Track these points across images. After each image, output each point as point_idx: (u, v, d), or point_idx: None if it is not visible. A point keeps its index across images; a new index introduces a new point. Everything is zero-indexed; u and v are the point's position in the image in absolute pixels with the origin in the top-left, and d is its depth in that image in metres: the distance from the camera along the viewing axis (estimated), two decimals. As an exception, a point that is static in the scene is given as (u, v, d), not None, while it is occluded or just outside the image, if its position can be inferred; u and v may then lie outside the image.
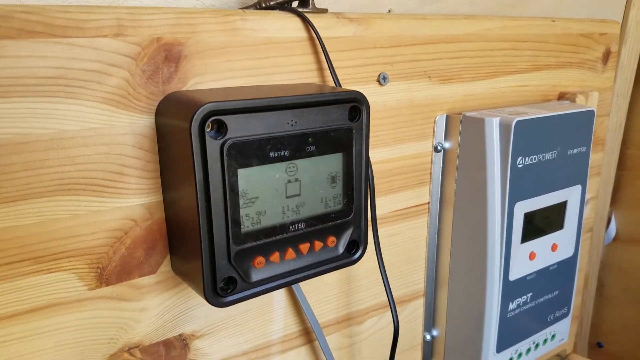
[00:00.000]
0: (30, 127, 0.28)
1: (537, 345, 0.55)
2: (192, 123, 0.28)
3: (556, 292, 0.54)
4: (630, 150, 0.90)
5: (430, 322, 0.53)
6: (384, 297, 0.48)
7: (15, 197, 0.28)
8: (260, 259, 0.32)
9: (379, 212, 0.45)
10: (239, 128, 0.29)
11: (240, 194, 0.30)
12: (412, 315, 0.51)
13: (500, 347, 0.50)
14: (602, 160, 0.77)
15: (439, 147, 0.48)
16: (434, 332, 0.53)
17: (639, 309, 0.90)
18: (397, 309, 0.49)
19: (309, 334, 0.43)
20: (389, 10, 0.49)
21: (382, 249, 0.45)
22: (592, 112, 0.51)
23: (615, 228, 0.93)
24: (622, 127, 0.86)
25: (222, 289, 0.31)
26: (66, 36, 0.28)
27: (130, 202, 0.32)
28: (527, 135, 0.44)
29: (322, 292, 0.43)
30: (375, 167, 0.44)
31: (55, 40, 0.28)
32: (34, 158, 0.28)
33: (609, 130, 0.83)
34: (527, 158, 0.45)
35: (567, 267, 0.54)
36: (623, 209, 0.92)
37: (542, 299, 0.53)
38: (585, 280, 0.91)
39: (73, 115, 0.29)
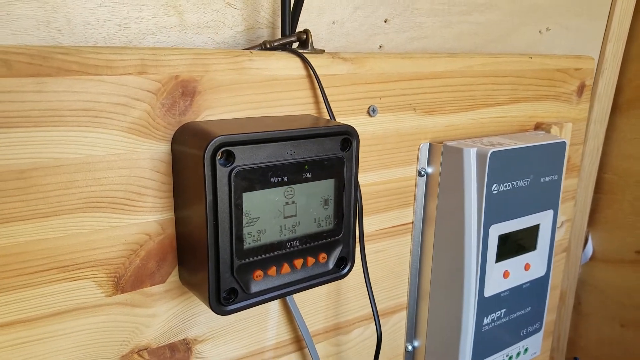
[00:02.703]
0: (64, 152, 0.32)
1: (510, 358, 0.59)
2: (206, 153, 0.32)
3: (529, 309, 0.59)
4: (607, 174, 0.95)
5: (412, 333, 0.57)
6: (369, 309, 0.52)
7: (47, 214, 0.32)
8: (259, 273, 0.36)
9: (366, 230, 0.50)
10: (245, 157, 0.34)
11: (244, 214, 0.35)
12: (396, 326, 0.55)
13: (476, 358, 0.54)
14: (578, 184, 0.83)
15: (422, 172, 0.52)
16: (415, 343, 0.57)
17: (614, 325, 0.94)
18: (382, 321, 0.53)
19: (299, 341, 0.47)
20: (380, 46, 0.53)
21: (368, 265, 0.50)
22: (563, 143, 0.56)
23: (592, 248, 0.98)
24: (599, 153, 0.92)
25: (224, 299, 0.35)
26: (97, 74, 0.32)
27: (146, 218, 0.36)
28: (501, 165, 0.49)
29: (312, 303, 0.47)
30: (364, 189, 0.48)
31: (88, 78, 0.32)
32: (65, 179, 0.32)
33: (586, 156, 0.88)
34: (501, 185, 0.50)
35: (539, 285, 0.59)
36: (599, 230, 0.97)
37: (515, 315, 0.57)
38: (563, 298, 0.95)
39: (100, 143, 0.33)
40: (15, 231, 0.31)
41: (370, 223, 0.50)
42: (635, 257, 0.90)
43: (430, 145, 0.52)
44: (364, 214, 0.49)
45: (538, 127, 0.63)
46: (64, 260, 0.33)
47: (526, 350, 0.60)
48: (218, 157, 0.33)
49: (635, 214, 0.89)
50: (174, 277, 0.38)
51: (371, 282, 0.51)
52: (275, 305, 0.45)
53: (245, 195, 0.34)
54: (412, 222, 0.54)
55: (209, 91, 0.36)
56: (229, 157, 0.33)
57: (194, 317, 0.40)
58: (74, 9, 0.36)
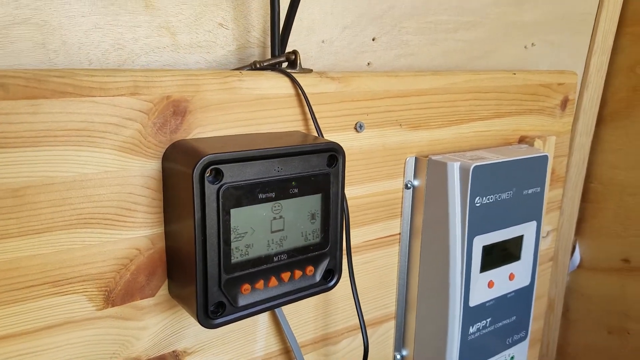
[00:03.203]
0: (57, 170, 0.33)
1: (496, 366, 0.60)
2: (194, 171, 0.33)
3: (514, 318, 0.60)
4: (593, 184, 0.96)
5: (400, 342, 0.58)
6: (357, 320, 0.53)
7: (40, 230, 0.33)
8: (247, 286, 0.37)
9: (354, 241, 0.51)
10: (234, 174, 0.35)
11: (231, 229, 0.36)
12: (384, 336, 0.56)
13: (462, 367, 0.55)
14: (565, 194, 0.84)
15: (409, 185, 0.54)
16: (404, 352, 0.58)
17: (602, 332, 0.96)
18: (370, 330, 0.55)
19: (288, 352, 0.48)
20: (368, 64, 0.55)
21: (356, 275, 0.51)
22: (545, 157, 0.57)
23: (579, 256, 0.99)
24: (585, 163, 0.94)
25: (212, 312, 0.36)
26: (91, 95, 0.33)
27: (136, 233, 0.37)
28: (484, 178, 0.50)
29: (301, 315, 0.48)
30: (351, 202, 0.49)
31: (81, 99, 0.33)
32: (57, 197, 0.33)
33: (572, 167, 0.90)
34: (484, 197, 0.51)
35: (524, 294, 0.60)
36: (586, 238, 0.98)
37: (500, 324, 0.58)
38: (551, 305, 0.97)
39: (93, 161, 0.34)
40: (9, 247, 0.32)
41: (358, 235, 0.51)
42: (621, 265, 0.92)
43: (416, 159, 0.53)
44: (351, 225, 0.50)
45: (522, 140, 0.65)
46: (56, 275, 0.34)
47: (512, 358, 0.62)
48: (207, 175, 0.34)
49: (620, 222, 0.91)
50: (163, 290, 0.39)
51: (359, 293, 0.52)
52: (264, 317, 0.46)
53: (233, 211, 0.35)
54: (400, 234, 0.55)
55: (199, 110, 0.38)
56: (218, 175, 0.34)
57: (183, 329, 0.41)
58: (69, 30, 0.37)
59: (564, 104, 0.70)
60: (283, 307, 0.46)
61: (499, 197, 0.53)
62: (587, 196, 0.97)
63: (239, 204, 0.36)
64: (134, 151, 0.35)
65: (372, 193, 0.51)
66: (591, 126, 0.91)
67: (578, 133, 0.89)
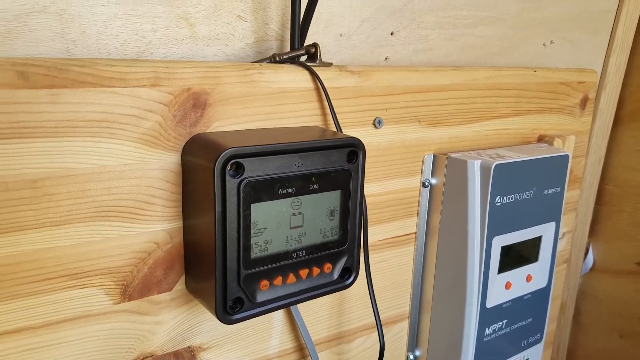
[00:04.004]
0: (76, 162, 0.32)
1: (511, 368, 0.59)
2: (216, 164, 0.32)
3: (530, 320, 0.59)
4: (608, 186, 0.95)
5: (413, 343, 0.57)
6: (372, 319, 0.52)
7: (58, 222, 0.33)
8: (265, 282, 0.37)
9: (370, 240, 0.50)
10: (254, 169, 0.34)
11: (251, 225, 0.35)
12: (397, 336, 0.56)
13: (477, 368, 0.55)
14: (579, 196, 0.83)
15: (426, 183, 0.53)
16: (417, 353, 0.58)
17: (612, 337, 0.95)
18: (384, 330, 0.54)
19: (302, 350, 0.48)
20: (386, 58, 0.54)
21: (371, 275, 0.50)
22: (566, 156, 0.56)
23: (592, 259, 0.98)
24: (601, 164, 0.92)
25: (230, 308, 0.36)
26: (111, 86, 0.33)
27: (155, 227, 0.36)
28: (505, 177, 0.49)
29: (316, 312, 0.48)
30: (368, 200, 0.48)
31: (102, 89, 0.32)
32: (76, 189, 0.33)
33: (588, 168, 0.89)
34: (504, 197, 0.50)
35: (540, 296, 0.59)
36: (600, 241, 0.97)
37: (516, 326, 0.57)
38: (563, 308, 0.96)
39: (113, 153, 0.33)
40: (27, 239, 0.32)
41: (374, 233, 0.50)
42: (635, 268, 0.90)
43: (434, 156, 0.52)
44: (368, 223, 0.49)
45: (541, 139, 0.64)
46: (73, 268, 0.34)
47: (526, 361, 0.61)
48: (228, 169, 0.33)
49: (635, 225, 0.90)
50: (180, 285, 0.39)
51: (374, 292, 0.51)
52: (279, 314, 0.45)
53: (253, 206, 0.35)
54: (415, 233, 0.54)
55: (219, 103, 0.37)
56: (239, 169, 0.34)
57: (199, 324, 0.40)
58: (88, 20, 0.36)
59: (584, 103, 0.69)
60: (298, 306, 0.46)
61: (519, 196, 0.52)
62: (601, 198, 0.95)
63: (259, 198, 0.35)
64: (154, 144, 0.35)
65: (389, 191, 0.50)
66: (608, 127, 0.89)
67: (595, 134, 0.88)
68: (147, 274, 0.37)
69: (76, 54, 0.36)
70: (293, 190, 0.37)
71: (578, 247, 0.95)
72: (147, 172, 0.35)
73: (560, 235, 0.75)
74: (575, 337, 1.01)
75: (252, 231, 0.35)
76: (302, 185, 0.37)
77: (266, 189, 0.35)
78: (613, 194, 0.95)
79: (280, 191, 0.36)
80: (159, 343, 0.39)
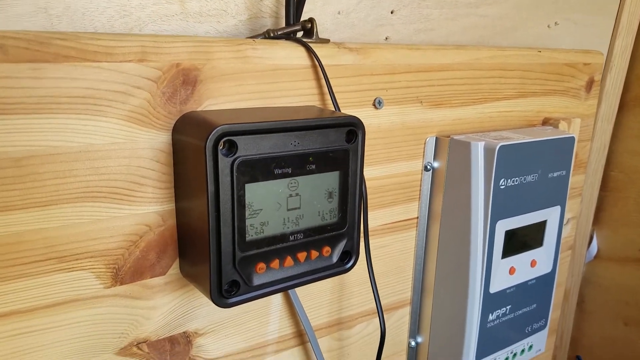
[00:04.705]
0: (62, 140, 0.31)
1: (514, 355, 0.58)
2: (207, 142, 0.31)
3: (534, 306, 0.58)
4: (613, 172, 0.94)
5: (415, 329, 0.56)
6: (372, 305, 0.51)
7: (45, 202, 0.31)
8: (261, 265, 0.36)
9: (370, 225, 0.49)
10: (248, 147, 0.33)
11: (246, 206, 0.34)
12: (399, 322, 0.55)
13: (480, 355, 0.53)
14: (584, 181, 0.81)
15: (428, 167, 0.51)
16: (419, 339, 0.57)
17: (617, 324, 0.94)
18: (385, 316, 0.53)
19: (302, 336, 0.47)
20: (386, 38, 0.52)
21: (372, 260, 0.49)
22: (572, 138, 0.55)
23: (596, 246, 0.97)
24: (606, 151, 0.91)
25: (226, 291, 0.34)
26: (96, 60, 0.31)
27: (146, 209, 0.35)
28: (509, 159, 0.48)
29: (315, 298, 0.47)
30: (368, 184, 0.47)
31: (86, 64, 0.31)
32: (63, 168, 0.31)
33: (593, 153, 0.87)
34: (509, 180, 0.49)
35: (545, 282, 0.58)
36: (605, 228, 0.96)
37: (520, 312, 0.56)
38: (566, 295, 0.94)
39: (99, 131, 0.32)
40: (12, 220, 0.30)
41: (375, 218, 0.49)
42: (640, 255, 0.89)
43: (436, 139, 0.51)
44: (369, 207, 0.48)
45: (546, 122, 0.62)
46: (62, 250, 0.32)
47: (530, 347, 0.60)
48: (220, 147, 0.32)
49: (641, 211, 0.88)
50: (174, 269, 0.37)
51: (375, 278, 0.50)
52: (277, 299, 0.44)
53: (247, 187, 0.33)
54: (417, 218, 0.53)
55: (210, 80, 0.35)
56: (232, 147, 0.32)
57: (194, 310, 0.39)
58: (73, -6, 0.35)
59: (590, 85, 0.67)
60: (297, 289, 0.45)
61: (524, 179, 0.50)
62: (606, 185, 0.94)
63: (254, 179, 0.34)
64: (143, 122, 0.34)
65: (390, 174, 0.49)
66: (613, 111, 0.88)
67: (600, 118, 0.86)
68: (139, 258, 0.35)
69: (61, 31, 0.35)
70: (289, 170, 0.35)
71: (582, 235, 0.94)
72: (137, 151, 0.34)
73: (565, 221, 0.73)
74: (579, 325, 1.00)
75: (247, 212, 0.34)
76: (298, 165, 0.36)
77: (261, 169, 0.34)
78: (618, 180, 0.93)
79: (276, 171, 0.35)
80: (154, 328, 0.37)
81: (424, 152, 0.51)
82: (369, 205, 0.48)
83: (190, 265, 0.36)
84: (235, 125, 0.32)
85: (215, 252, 0.33)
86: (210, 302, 0.40)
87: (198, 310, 0.39)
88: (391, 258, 0.52)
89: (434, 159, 0.51)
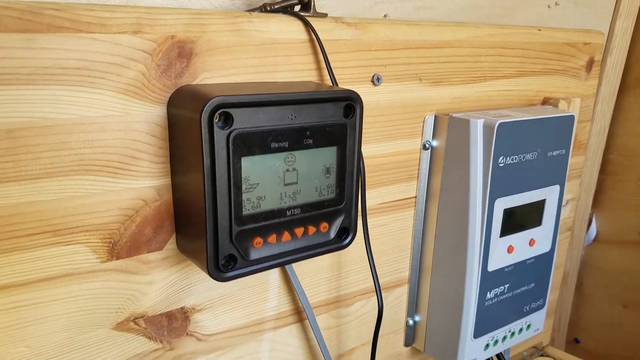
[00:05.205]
0: (55, 112, 0.31)
1: (512, 334, 0.58)
2: (202, 115, 0.31)
3: (532, 285, 0.58)
4: (613, 155, 0.93)
5: (413, 308, 0.56)
6: (370, 283, 0.51)
7: (39, 175, 0.31)
8: (258, 240, 0.35)
9: (369, 203, 0.49)
10: (244, 120, 0.32)
11: (243, 179, 0.34)
12: (397, 301, 0.55)
13: (478, 334, 0.54)
14: (584, 163, 0.81)
15: (427, 145, 0.51)
16: (417, 318, 0.57)
17: (615, 307, 0.94)
18: (383, 295, 0.53)
19: (300, 313, 0.47)
20: (385, 16, 0.52)
21: (370, 238, 0.49)
22: (572, 117, 0.54)
23: (595, 229, 0.97)
24: (606, 133, 0.90)
25: (223, 266, 0.34)
26: (90, 32, 0.31)
27: (142, 183, 0.35)
28: (508, 137, 0.48)
29: (314, 275, 0.47)
30: (366, 162, 0.47)
31: (80, 35, 0.30)
32: (57, 140, 0.31)
33: (593, 136, 0.87)
34: (508, 158, 0.49)
35: (543, 261, 0.58)
36: (604, 211, 0.95)
37: (518, 290, 0.56)
38: (565, 278, 0.95)
39: (94, 103, 0.32)
40: (6, 192, 0.30)
41: (374, 196, 0.49)
42: (639, 238, 0.89)
43: (435, 117, 0.50)
44: (367, 186, 0.48)
45: (546, 102, 0.62)
46: (57, 223, 0.32)
47: (529, 326, 0.60)
48: (216, 120, 0.31)
49: (641, 194, 0.88)
50: (171, 244, 0.37)
51: (373, 256, 0.50)
52: (275, 276, 0.44)
53: (244, 160, 0.33)
54: (416, 197, 0.53)
55: (206, 53, 0.35)
56: (227, 120, 0.32)
57: (192, 285, 0.39)
58: (66, -36, 0.34)
59: (590, 65, 0.66)
60: (295, 267, 0.44)
61: (523, 157, 0.50)
62: (606, 168, 0.94)
63: (250, 152, 0.33)
64: (138, 95, 0.33)
65: (389, 153, 0.48)
66: (613, 93, 0.87)
67: (600, 100, 0.85)
68: (135, 232, 0.35)
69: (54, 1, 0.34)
70: (286, 144, 0.35)
71: (581, 218, 0.94)
72: (132, 124, 0.33)
73: (564, 202, 0.73)
74: (577, 308, 1.00)
75: (243, 186, 0.34)
76: (295, 139, 0.35)
77: (257, 142, 0.33)
78: (618, 163, 0.93)
79: (273, 145, 0.34)
80: (151, 304, 0.37)
81: (422, 130, 0.50)
82: (367, 183, 0.48)
83: (187, 241, 0.36)
84: (230, 97, 0.31)
85: (211, 225, 0.33)
86: (208, 278, 0.40)
87: (196, 286, 0.39)
88: (389, 237, 0.52)
89: (433, 137, 0.51)
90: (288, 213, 0.37)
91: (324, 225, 0.39)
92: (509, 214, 0.51)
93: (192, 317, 0.40)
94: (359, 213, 0.43)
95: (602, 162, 0.91)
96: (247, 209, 0.34)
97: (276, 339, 0.46)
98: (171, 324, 0.39)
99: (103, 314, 0.36)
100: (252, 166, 0.34)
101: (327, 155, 0.37)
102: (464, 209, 0.50)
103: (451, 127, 0.49)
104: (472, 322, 0.52)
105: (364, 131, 0.45)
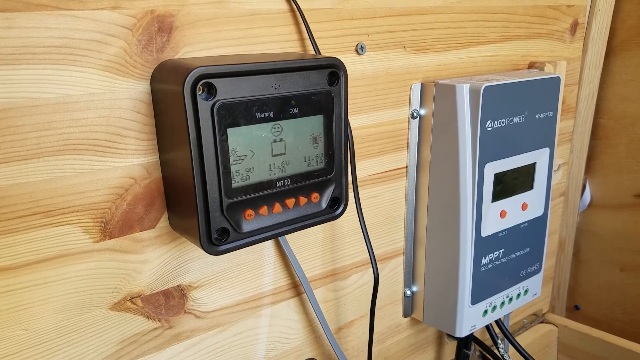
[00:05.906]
0: (38, 91, 0.31)
1: (510, 299, 0.59)
2: (185, 86, 0.31)
3: (527, 249, 0.58)
4: (603, 119, 0.93)
5: (410, 278, 0.57)
6: (366, 255, 0.52)
7: (26, 156, 0.31)
8: (250, 212, 0.36)
9: (359, 175, 0.49)
10: (228, 90, 0.32)
11: (230, 151, 0.34)
12: (393, 272, 0.55)
13: (475, 300, 0.54)
14: (575, 129, 0.82)
15: (415, 114, 0.51)
16: (414, 288, 0.57)
17: (613, 271, 0.95)
18: (379, 267, 0.53)
19: (297, 287, 0.47)
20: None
21: (363, 210, 0.49)
22: (557, 78, 0.54)
23: (589, 195, 0.97)
24: (595, 98, 0.90)
25: (216, 239, 0.35)
26: (69, 9, 0.30)
27: (130, 161, 0.35)
28: (495, 100, 0.48)
29: (309, 249, 0.47)
30: (355, 133, 0.47)
31: (59, 13, 0.30)
32: (42, 120, 0.31)
33: (582, 101, 0.87)
34: (495, 121, 0.49)
35: (537, 225, 0.58)
36: (597, 176, 0.96)
37: (513, 255, 0.57)
38: (562, 246, 0.95)
39: (77, 81, 0.32)
40: (-6, 175, 0.30)
41: (363, 168, 0.49)
42: (634, 200, 0.90)
43: (422, 85, 0.51)
44: (356, 157, 0.48)
45: (531, 66, 0.62)
46: (47, 204, 0.32)
47: (526, 291, 0.61)
48: (199, 92, 0.31)
49: (632, 157, 0.88)
50: (163, 222, 0.37)
51: (367, 227, 0.50)
52: (270, 251, 0.44)
53: (230, 131, 0.33)
54: (407, 167, 0.53)
55: (186, 26, 0.35)
56: (210, 90, 0.32)
57: (187, 263, 0.39)
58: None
59: (574, 28, 0.66)
60: (290, 241, 0.45)
61: (511, 121, 0.50)
62: (596, 133, 0.94)
63: (235, 123, 0.33)
64: (120, 71, 0.33)
65: (377, 123, 0.49)
66: (600, 58, 0.87)
67: (587, 65, 0.85)
68: (126, 211, 0.35)
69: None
70: (272, 114, 0.35)
71: (575, 184, 0.94)
72: (116, 102, 0.33)
73: (555, 167, 0.74)
74: (575, 274, 1.01)
75: (231, 158, 0.34)
76: (281, 108, 0.35)
77: (242, 113, 0.33)
78: (608, 127, 0.93)
79: (258, 115, 0.34)
80: (147, 282, 0.38)
81: (409, 99, 0.50)
82: (356, 155, 0.48)
83: (179, 217, 0.36)
84: (212, 67, 0.31)
85: (202, 199, 0.33)
86: (203, 255, 0.40)
87: (191, 264, 0.40)
88: (382, 208, 0.52)
89: (421, 106, 0.51)
90: (278, 184, 0.37)
91: (315, 196, 0.39)
92: (499, 178, 0.52)
93: (189, 294, 0.40)
94: (350, 184, 0.43)
95: (593, 127, 0.92)
96: (237, 181, 0.34)
97: (275, 314, 0.46)
98: (168, 302, 0.39)
99: (99, 295, 0.36)
100: (239, 137, 0.34)
101: (314, 124, 0.38)
102: (454, 175, 0.50)
103: (438, 94, 0.49)
104: (469, 288, 0.53)
105: (350, 102, 0.45)
